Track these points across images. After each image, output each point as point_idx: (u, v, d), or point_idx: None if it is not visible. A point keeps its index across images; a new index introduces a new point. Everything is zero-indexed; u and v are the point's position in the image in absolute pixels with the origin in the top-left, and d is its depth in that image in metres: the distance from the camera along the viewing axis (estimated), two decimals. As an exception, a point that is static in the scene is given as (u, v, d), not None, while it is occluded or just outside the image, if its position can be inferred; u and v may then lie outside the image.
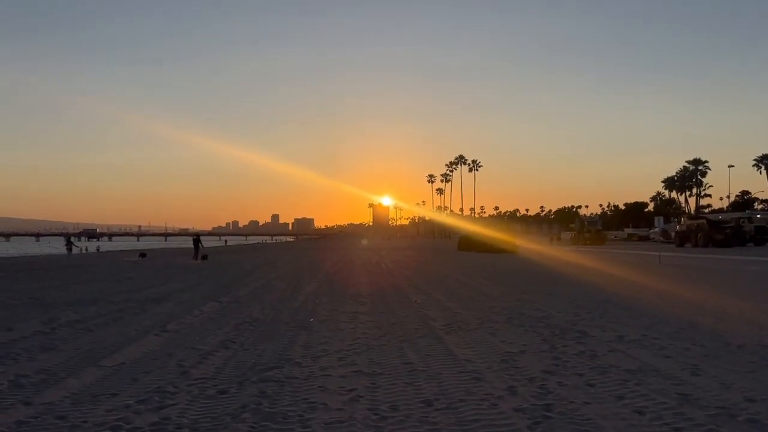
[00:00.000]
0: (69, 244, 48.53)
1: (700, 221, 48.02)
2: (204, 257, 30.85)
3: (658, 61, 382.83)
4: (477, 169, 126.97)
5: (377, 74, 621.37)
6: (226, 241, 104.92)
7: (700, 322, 8.85)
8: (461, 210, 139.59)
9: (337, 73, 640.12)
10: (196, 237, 34.22)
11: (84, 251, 57.70)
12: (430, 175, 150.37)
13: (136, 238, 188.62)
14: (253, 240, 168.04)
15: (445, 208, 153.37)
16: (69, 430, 4.40)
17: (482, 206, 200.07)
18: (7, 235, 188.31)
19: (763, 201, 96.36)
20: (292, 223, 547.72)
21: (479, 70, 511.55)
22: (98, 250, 66.21)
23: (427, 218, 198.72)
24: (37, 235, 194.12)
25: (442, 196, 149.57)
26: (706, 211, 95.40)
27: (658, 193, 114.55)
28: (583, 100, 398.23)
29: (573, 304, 11.32)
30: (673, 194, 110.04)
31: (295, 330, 8.69)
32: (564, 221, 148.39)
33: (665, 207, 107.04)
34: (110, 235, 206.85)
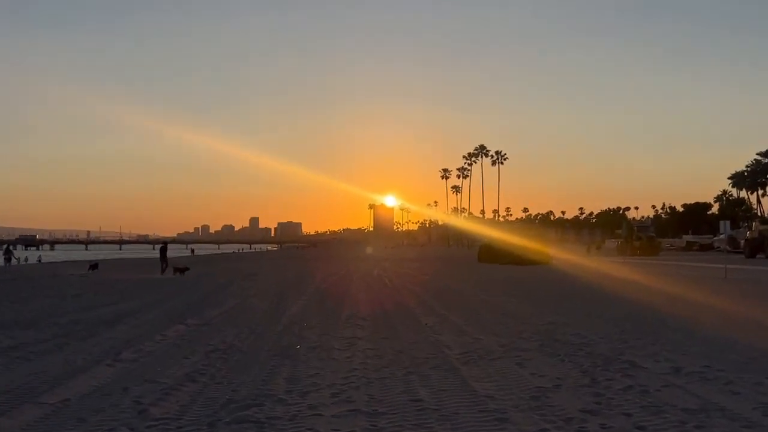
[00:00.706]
0: (8, 254, 48.69)
1: (776, 226, 47.91)
2: (181, 271, 30.25)
3: (724, 34, 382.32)
4: (502, 162, 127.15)
5: (378, 46, 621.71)
6: (192, 250, 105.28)
7: (776, 351, 8.83)
8: (482, 212, 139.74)
9: (329, 44, 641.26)
10: (164, 245, 33.94)
11: (23, 262, 57.94)
12: (445, 170, 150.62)
13: (84, 247, 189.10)
14: (227, 249, 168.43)
15: (463, 209, 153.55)
16: (1, 482, 4.40)
17: (508, 207, 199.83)
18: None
19: None
20: (275, 229, 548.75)
21: (503, 42, 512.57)
22: (39, 260, 66.51)
23: (440, 222, 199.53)
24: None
25: (459, 195, 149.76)
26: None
27: (724, 192, 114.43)
28: (632, 80, 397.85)
29: (619, 327, 11.30)
30: (743, 193, 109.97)
31: (278, 359, 8.69)
32: (608, 226, 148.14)
33: (733, 209, 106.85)
34: (52, 243, 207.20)
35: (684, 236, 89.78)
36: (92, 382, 7.34)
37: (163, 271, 31.12)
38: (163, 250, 32.86)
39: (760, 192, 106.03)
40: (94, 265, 36.39)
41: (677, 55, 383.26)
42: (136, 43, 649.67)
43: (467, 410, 6.01)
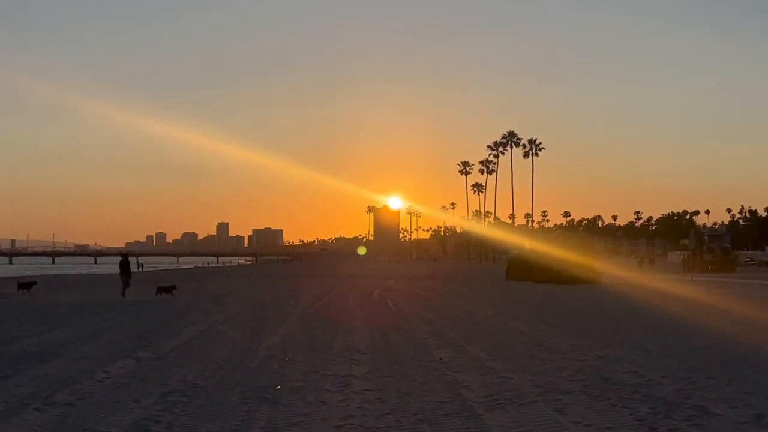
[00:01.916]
0: None
1: None
2: (167, 290, 29.79)
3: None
4: (536, 154, 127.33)
5: (378, 10, 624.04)
6: (141, 265, 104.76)
7: None
8: (512, 217, 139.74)
9: (321, 9, 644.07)
10: (125, 258, 32.92)
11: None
12: (464, 163, 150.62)
13: (7, 259, 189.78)
14: (187, 262, 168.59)
15: (487, 213, 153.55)
16: None
17: (544, 211, 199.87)
18: None
19: None
20: (249, 237, 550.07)
21: (536, 5, 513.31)
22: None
23: (458, 229, 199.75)
24: None
25: (483, 195, 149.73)
26: None
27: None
28: (697, 52, 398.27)
29: (685, 364, 11.29)
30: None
31: (253, 403, 8.69)
32: (672, 235, 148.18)
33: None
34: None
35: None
36: (17, 432, 7.34)
37: (124, 291, 30.27)
38: (125, 264, 31.90)
39: None
40: (27, 284, 35.42)
41: (754, 23, 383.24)
42: (82, 12, 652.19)
43: (492, 469, 6.01)
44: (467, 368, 11.11)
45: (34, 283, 36.55)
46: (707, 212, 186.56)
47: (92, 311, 23.23)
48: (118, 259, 33.65)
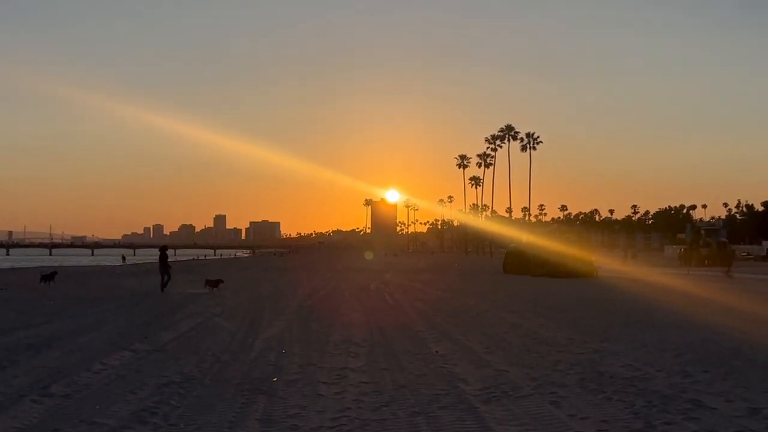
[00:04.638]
0: None
1: None
2: (214, 284, 29.11)
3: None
4: (534, 147, 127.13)
5: (379, 3, 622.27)
6: (123, 257, 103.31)
7: None
8: (509, 210, 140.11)
9: (318, 2, 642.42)
10: (164, 250, 31.75)
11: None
12: (462, 157, 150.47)
13: (5, 251, 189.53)
14: (184, 254, 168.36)
15: (485, 207, 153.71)
16: None
17: (541, 205, 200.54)
18: None
19: None
20: (246, 230, 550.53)
21: (536, 3, 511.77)
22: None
23: (455, 223, 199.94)
24: None
25: (480, 188, 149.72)
26: None
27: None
28: (694, 45, 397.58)
29: (681, 358, 11.32)
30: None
31: (250, 395, 8.72)
32: (668, 229, 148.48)
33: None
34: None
35: (765, 242, 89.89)
36: (14, 423, 7.34)
37: (164, 284, 28.99)
38: (164, 258, 30.67)
39: None
40: (49, 275, 34.36)
41: (752, 15, 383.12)
42: (80, 5, 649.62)
43: (488, 461, 6.02)
44: (464, 361, 11.15)
45: (55, 272, 35.87)
46: (704, 206, 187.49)
47: (87, 304, 23.20)
48: (162, 253, 32.19)
